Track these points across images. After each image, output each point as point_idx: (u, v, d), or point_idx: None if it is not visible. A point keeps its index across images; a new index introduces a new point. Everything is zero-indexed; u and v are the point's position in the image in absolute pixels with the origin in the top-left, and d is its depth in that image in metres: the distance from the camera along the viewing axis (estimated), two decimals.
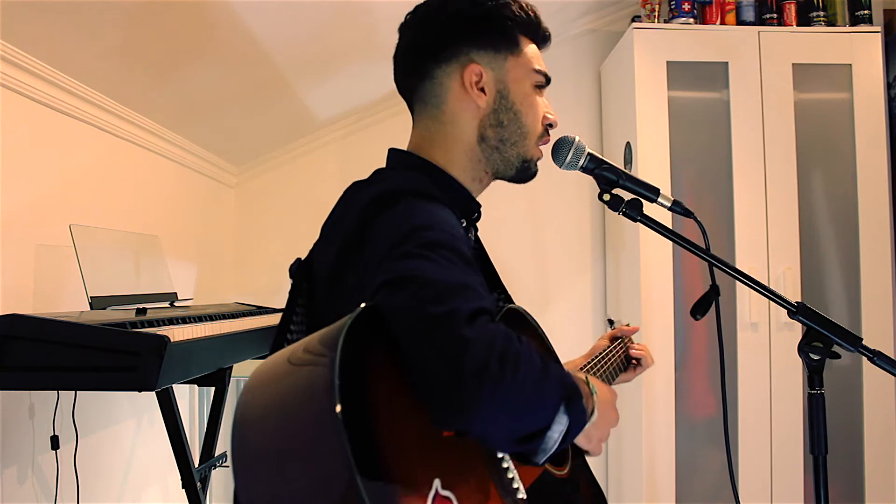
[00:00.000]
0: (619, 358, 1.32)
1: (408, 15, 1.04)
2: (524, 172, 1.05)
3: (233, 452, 0.64)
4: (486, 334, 0.69)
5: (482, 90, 1.00)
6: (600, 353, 1.28)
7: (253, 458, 0.63)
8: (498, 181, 1.09)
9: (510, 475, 0.83)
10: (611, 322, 1.44)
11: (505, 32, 1.01)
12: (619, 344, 1.35)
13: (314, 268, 0.95)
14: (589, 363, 1.23)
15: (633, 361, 1.36)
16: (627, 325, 1.42)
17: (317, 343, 0.67)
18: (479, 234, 1.13)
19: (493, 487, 0.79)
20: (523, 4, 1.03)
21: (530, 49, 1.04)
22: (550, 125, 1.06)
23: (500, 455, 0.83)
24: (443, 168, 1.01)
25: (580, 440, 0.89)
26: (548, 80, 1.06)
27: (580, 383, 0.84)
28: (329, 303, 0.90)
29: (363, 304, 0.70)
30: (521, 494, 0.83)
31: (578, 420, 0.76)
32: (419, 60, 1.02)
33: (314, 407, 0.62)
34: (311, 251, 0.98)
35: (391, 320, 0.71)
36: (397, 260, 0.75)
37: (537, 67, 1.03)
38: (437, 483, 0.69)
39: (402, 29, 1.04)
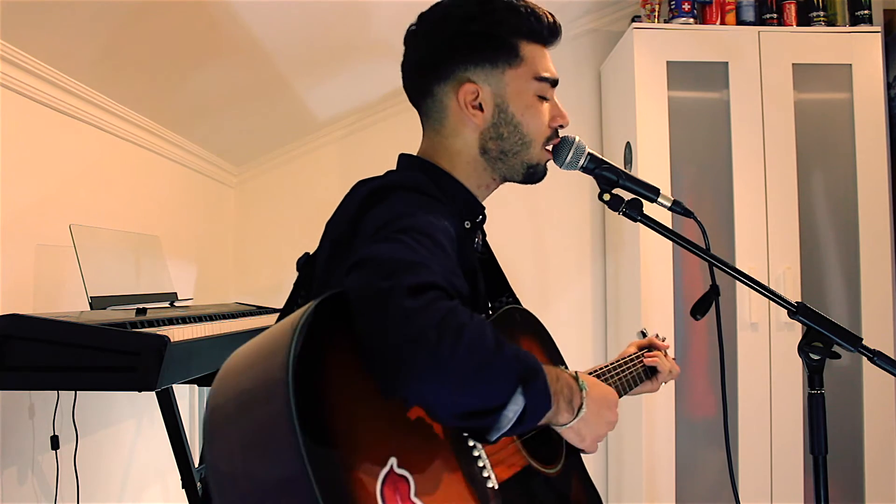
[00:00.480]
0: (640, 367, 1.30)
1: (412, 25, 1.04)
2: (531, 177, 1.06)
3: (203, 430, 0.67)
4: (427, 306, 0.69)
5: (479, 107, 1.00)
6: (619, 360, 1.27)
7: (217, 435, 0.65)
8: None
9: (480, 464, 0.84)
10: (643, 333, 1.42)
11: (502, 46, 1.01)
12: (634, 358, 1.33)
13: (316, 262, 0.98)
14: (602, 368, 1.22)
15: (651, 370, 1.33)
16: (662, 338, 1.40)
17: (284, 326, 0.69)
18: (486, 237, 1.13)
19: (460, 474, 0.80)
20: (521, 8, 1.02)
21: (533, 55, 1.03)
22: (560, 126, 1.06)
23: (471, 444, 0.84)
24: (449, 173, 1.03)
25: (570, 436, 0.89)
26: (554, 83, 1.06)
27: (562, 376, 0.84)
28: (321, 294, 0.92)
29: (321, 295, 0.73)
30: (492, 484, 0.84)
31: (538, 403, 0.76)
32: (421, 78, 1.04)
33: (269, 383, 0.64)
34: (318, 246, 1.00)
35: (349, 299, 0.73)
36: (366, 245, 0.78)
37: (540, 74, 1.03)
38: (392, 461, 0.70)
39: (407, 40, 1.05)
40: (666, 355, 1.37)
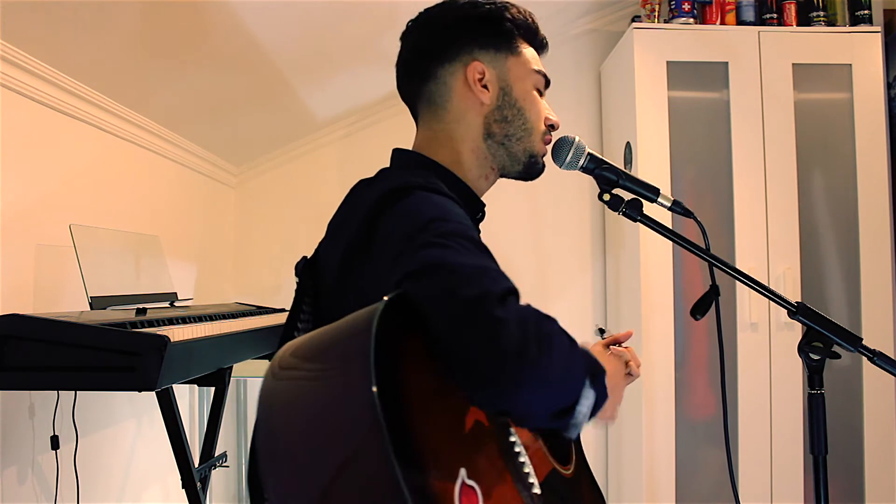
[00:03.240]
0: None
1: (409, 23, 1.06)
2: (531, 168, 1.06)
3: (260, 443, 0.62)
4: (518, 314, 0.69)
5: (485, 87, 1.02)
6: None
7: (282, 448, 0.62)
8: (501, 180, 1.09)
9: (526, 469, 0.83)
10: (601, 331, 1.42)
11: (504, 34, 1.03)
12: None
13: (320, 266, 0.96)
14: None
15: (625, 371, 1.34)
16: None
17: (344, 330, 0.66)
18: (482, 236, 1.13)
19: (510, 479, 0.79)
20: (522, 10, 1.05)
21: (529, 52, 1.06)
22: (552, 126, 1.07)
23: (517, 449, 0.83)
24: (448, 168, 1.02)
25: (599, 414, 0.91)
26: (547, 83, 1.08)
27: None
28: (337, 299, 0.91)
29: (386, 296, 0.68)
30: (536, 489, 0.83)
31: (603, 393, 0.78)
32: (423, 63, 1.04)
33: (347, 390, 0.61)
34: (317, 249, 0.98)
35: (423, 308, 0.71)
36: (418, 251, 0.75)
37: (537, 68, 1.05)
38: (463, 472, 0.68)
39: (404, 36, 1.06)
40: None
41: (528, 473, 0.83)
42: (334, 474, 0.59)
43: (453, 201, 0.89)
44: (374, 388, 0.58)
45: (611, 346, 1.34)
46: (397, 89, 1.09)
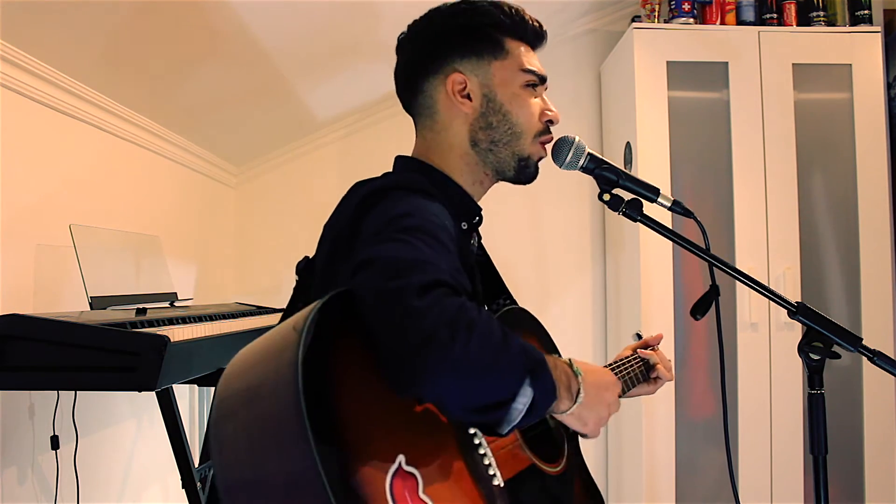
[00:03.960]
0: (638, 368, 1.28)
1: (401, 35, 1.08)
2: (522, 172, 1.06)
3: (210, 434, 0.67)
4: (437, 304, 0.70)
5: (468, 97, 1.03)
6: (618, 361, 1.27)
7: (223, 431, 0.66)
8: (499, 183, 1.09)
9: (486, 462, 0.84)
10: (638, 336, 1.42)
11: (486, 38, 1.04)
12: (633, 360, 1.30)
13: (315, 265, 0.98)
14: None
15: (653, 375, 1.30)
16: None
17: (289, 326, 0.69)
18: (482, 240, 1.13)
19: (466, 472, 0.80)
20: (506, 8, 1.05)
21: (518, 50, 1.05)
22: (551, 122, 1.07)
23: (476, 441, 0.84)
24: (444, 173, 1.04)
25: (572, 423, 0.88)
26: (542, 79, 1.07)
27: (558, 364, 0.84)
28: (321, 295, 0.92)
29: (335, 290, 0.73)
30: (498, 482, 0.84)
31: (545, 393, 0.77)
32: (410, 78, 1.07)
33: (278, 382, 0.64)
34: (317, 249, 0.99)
35: (357, 299, 0.73)
36: (371, 245, 0.78)
37: (526, 67, 1.04)
38: (401, 458, 0.71)
39: (397, 50, 1.09)
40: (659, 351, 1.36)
41: (488, 465, 0.84)
42: (263, 454, 0.63)
43: (440, 204, 0.91)
44: (300, 382, 0.61)
45: (638, 350, 1.33)
46: (398, 98, 1.12)
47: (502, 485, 0.84)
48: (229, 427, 0.66)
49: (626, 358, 1.29)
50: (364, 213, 0.88)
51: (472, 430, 0.85)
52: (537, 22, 1.08)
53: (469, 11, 1.04)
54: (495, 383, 0.73)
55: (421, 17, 1.07)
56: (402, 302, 0.70)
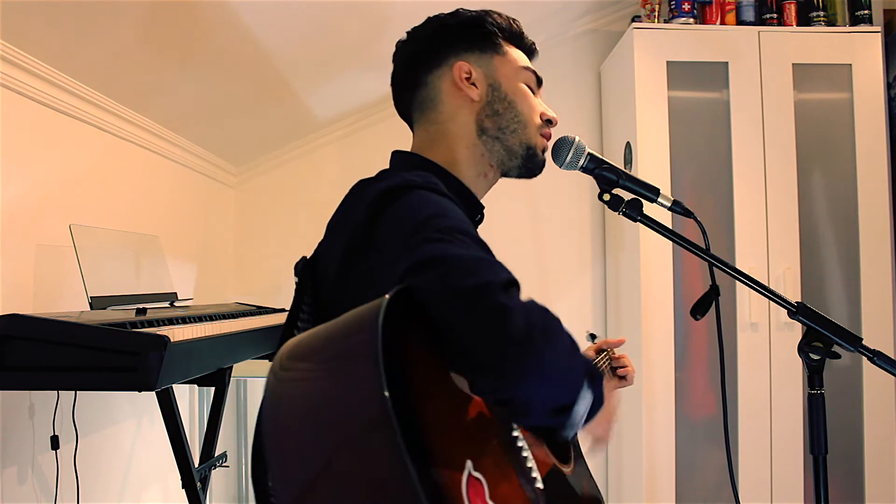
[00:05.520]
0: (605, 369, 1.32)
1: (398, 42, 1.10)
2: (530, 161, 1.05)
3: (263, 441, 0.62)
4: (522, 303, 0.70)
5: (473, 84, 1.04)
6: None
7: (289, 443, 0.62)
8: (501, 180, 1.09)
9: (529, 464, 0.83)
10: (592, 336, 1.44)
11: (488, 36, 1.06)
12: (604, 356, 1.35)
13: (320, 265, 0.96)
14: None
15: (620, 373, 1.36)
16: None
17: (349, 325, 0.66)
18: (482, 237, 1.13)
19: (513, 473, 0.79)
20: (504, 16, 1.09)
21: (516, 52, 1.08)
22: (549, 121, 1.07)
23: (519, 444, 0.83)
24: (445, 168, 1.02)
25: (592, 427, 0.87)
26: (539, 80, 1.09)
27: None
28: (336, 297, 0.91)
29: (389, 292, 0.68)
30: (539, 484, 0.83)
31: (600, 397, 0.77)
32: (412, 73, 1.07)
33: (351, 387, 0.61)
34: (317, 249, 0.98)
35: (426, 300, 0.71)
36: (418, 247, 0.76)
37: (525, 66, 1.07)
38: (469, 463, 0.69)
39: (395, 56, 1.10)
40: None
41: (531, 468, 0.83)
42: (334, 469, 0.59)
43: (451, 201, 0.89)
44: (385, 385, 0.58)
45: (609, 350, 1.36)
46: (395, 107, 1.12)
47: (542, 487, 0.83)
48: (293, 437, 0.61)
49: (592, 360, 1.31)
50: (380, 213, 0.85)
51: (515, 433, 0.84)
52: (530, 39, 1.12)
53: (469, 14, 1.07)
54: (570, 385, 0.73)
55: (420, 24, 1.09)
56: (488, 300, 0.68)
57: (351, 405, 0.61)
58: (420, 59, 1.06)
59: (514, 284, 0.72)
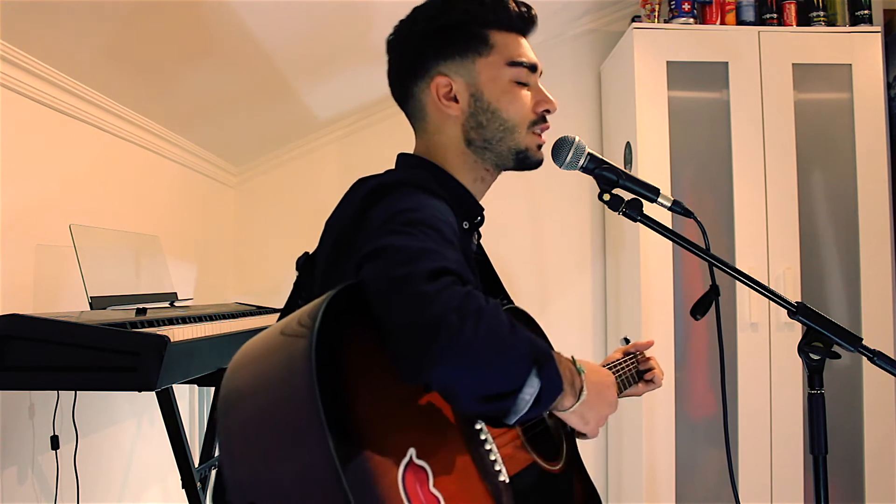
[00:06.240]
0: (630, 371, 1.31)
1: (390, 35, 1.08)
2: (523, 162, 1.05)
3: (218, 429, 0.66)
4: (445, 290, 0.70)
5: (454, 99, 1.02)
6: (610, 364, 1.28)
7: (235, 432, 0.65)
8: (501, 178, 1.09)
9: (492, 457, 0.84)
10: (626, 340, 1.43)
11: (468, 36, 1.02)
12: (630, 358, 1.34)
13: (317, 261, 0.98)
14: None
15: (647, 377, 1.34)
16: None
17: (297, 319, 0.69)
18: (482, 241, 1.14)
19: (472, 466, 0.80)
20: (486, 0, 1.02)
21: (504, 43, 1.03)
22: (547, 111, 1.05)
23: (482, 437, 0.84)
24: (446, 170, 1.04)
25: (574, 421, 0.89)
26: (532, 68, 1.04)
27: (562, 360, 0.84)
28: (325, 290, 0.92)
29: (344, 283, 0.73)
30: (504, 478, 0.84)
31: (551, 385, 0.77)
32: (399, 84, 1.07)
33: (291, 375, 0.64)
34: (318, 246, 0.99)
35: (365, 289, 0.73)
36: (377, 237, 0.78)
37: (514, 59, 1.02)
38: (412, 451, 0.71)
39: (388, 49, 1.09)
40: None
41: (494, 461, 0.84)
42: (274, 445, 0.63)
43: (445, 202, 0.90)
44: (314, 373, 0.61)
45: (638, 353, 1.35)
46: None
47: (507, 481, 0.84)
48: (237, 417, 0.65)
49: (618, 361, 1.30)
50: (368, 207, 0.87)
51: (478, 426, 0.85)
52: (524, 6, 1.04)
53: (448, 9, 1.02)
54: (503, 371, 0.72)
55: (405, 18, 1.06)
56: (410, 287, 0.70)
57: (281, 391, 0.64)
58: (403, 70, 1.06)
59: (446, 272, 0.73)
